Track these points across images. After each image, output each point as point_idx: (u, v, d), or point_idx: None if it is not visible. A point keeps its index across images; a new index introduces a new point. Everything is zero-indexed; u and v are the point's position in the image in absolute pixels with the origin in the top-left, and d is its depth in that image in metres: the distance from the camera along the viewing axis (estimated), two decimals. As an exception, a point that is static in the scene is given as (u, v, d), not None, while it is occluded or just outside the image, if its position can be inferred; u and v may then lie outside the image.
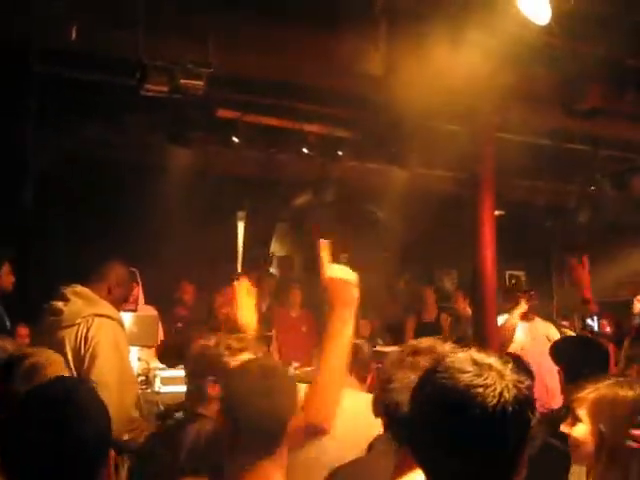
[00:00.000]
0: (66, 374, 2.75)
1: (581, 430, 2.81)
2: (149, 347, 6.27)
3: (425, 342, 2.36)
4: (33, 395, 1.99)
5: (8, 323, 6.12)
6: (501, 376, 1.60)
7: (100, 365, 4.25)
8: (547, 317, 11.15)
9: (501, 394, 1.57)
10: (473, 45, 5.73)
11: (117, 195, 8.39)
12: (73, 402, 1.88)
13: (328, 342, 2.71)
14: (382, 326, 9.80)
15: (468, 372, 1.60)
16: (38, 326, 4.70)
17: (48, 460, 1.83)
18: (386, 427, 2.34)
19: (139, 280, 6.77)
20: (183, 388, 4.82)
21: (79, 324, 4.34)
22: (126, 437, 4.03)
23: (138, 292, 6.76)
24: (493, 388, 1.57)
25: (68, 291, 4.50)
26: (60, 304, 4.43)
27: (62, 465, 1.83)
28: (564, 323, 9.53)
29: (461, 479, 1.60)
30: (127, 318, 6.30)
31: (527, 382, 1.62)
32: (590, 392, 2.82)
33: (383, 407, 2.28)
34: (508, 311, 7.03)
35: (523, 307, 6.97)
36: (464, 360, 1.64)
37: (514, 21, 5.66)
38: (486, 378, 1.58)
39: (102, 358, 4.28)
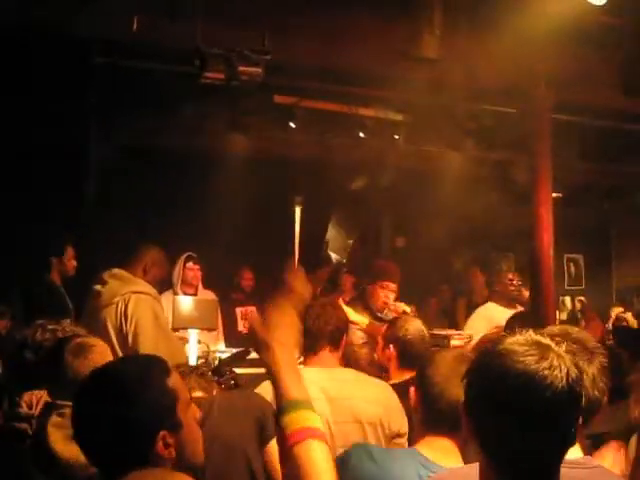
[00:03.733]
0: (109, 356, 2.93)
1: None
2: (209, 330, 6.40)
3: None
4: (92, 373, 2.11)
5: (71, 306, 6.29)
6: (560, 357, 1.62)
7: (144, 339, 4.53)
8: (605, 301, 11.13)
9: (568, 374, 1.60)
10: (528, 27, 5.69)
11: (176, 182, 8.53)
12: (123, 381, 1.98)
13: None
14: (439, 309, 9.79)
15: (532, 355, 1.61)
16: (83, 311, 5.02)
17: (95, 432, 1.96)
18: None
19: (199, 265, 6.89)
20: (244, 370, 4.98)
21: (117, 302, 4.62)
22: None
23: (199, 276, 6.89)
24: (560, 369, 1.59)
25: (105, 274, 4.81)
26: (99, 287, 4.74)
27: (113, 439, 1.93)
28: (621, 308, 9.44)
29: (525, 458, 1.64)
30: (187, 302, 6.44)
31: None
32: None
33: None
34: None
35: None
36: (524, 343, 1.65)
37: (570, 1, 5.62)
38: (552, 360, 1.60)
39: (145, 332, 4.56)
